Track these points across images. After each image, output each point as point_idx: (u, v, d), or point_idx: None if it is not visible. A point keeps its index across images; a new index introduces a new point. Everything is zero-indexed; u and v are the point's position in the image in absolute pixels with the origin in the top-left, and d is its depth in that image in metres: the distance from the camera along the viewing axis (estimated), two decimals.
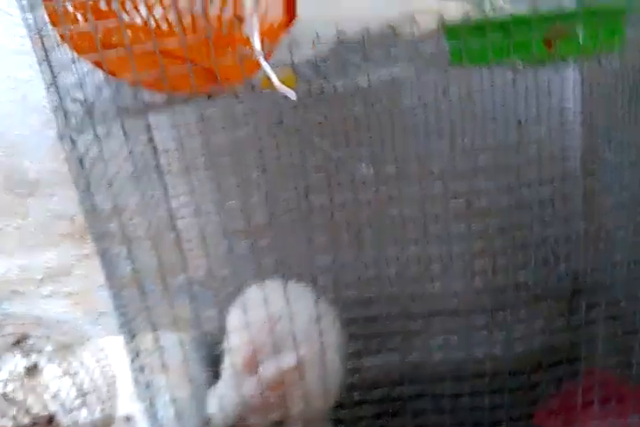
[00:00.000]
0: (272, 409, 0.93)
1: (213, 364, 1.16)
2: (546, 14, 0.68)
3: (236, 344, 1.00)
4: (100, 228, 0.74)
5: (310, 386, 0.90)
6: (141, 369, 0.87)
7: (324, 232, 0.83)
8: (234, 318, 1.01)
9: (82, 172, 0.72)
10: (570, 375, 0.92)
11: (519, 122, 1.13)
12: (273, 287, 0.91)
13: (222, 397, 0.92)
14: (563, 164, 1.18)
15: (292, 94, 0.62)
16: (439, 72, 0.83)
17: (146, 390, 0.84)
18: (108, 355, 1.20)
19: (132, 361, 0.82)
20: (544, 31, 0.68)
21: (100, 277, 1.47)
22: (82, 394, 1.04)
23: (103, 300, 1.49)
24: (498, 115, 1.15)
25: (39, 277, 1.47)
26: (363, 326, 0.90)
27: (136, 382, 0.84)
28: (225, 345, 1.14)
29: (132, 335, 0.80)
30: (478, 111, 1.12)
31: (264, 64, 0.63)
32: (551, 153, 1.11)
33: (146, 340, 0.94)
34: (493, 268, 0.88)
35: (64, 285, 1.48)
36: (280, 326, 0.87)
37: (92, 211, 0.72)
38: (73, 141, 0.68)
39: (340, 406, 1.01)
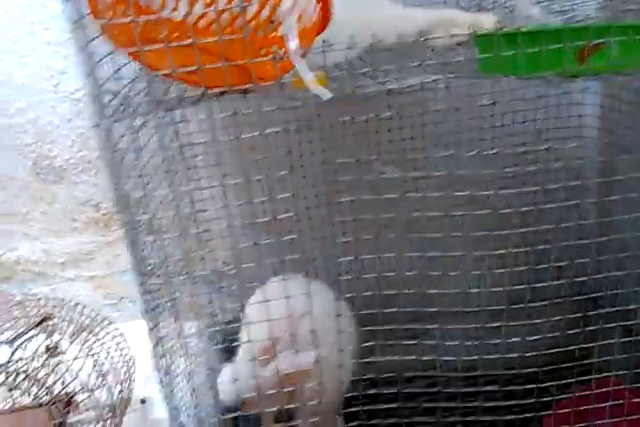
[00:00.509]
0: (283, 399, 0.95)
1: (228, 354, 1.18)
2: (578, 27, 0.69)
3: (254, 333, 1.03)
4: (130, 216, 0.77)
5: (324, 381, 0.92)
6: (163, 356, 0.90)
7: (346, 231, 0.84)
8: (253, 308, 1.03)
9: (115, 160, 0.74)
10: (580, 382, 0.93)
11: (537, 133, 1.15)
12: (292, 282, 0.93)
13: (233, 377, 0.94)
14: (579, 173, 1.20)
15: (325, 94, 0.64)
16: (467, 81, 0.85)
17: (166, 376, 0.86)
18: (126, 338, 1.24)
19: (154, 347, 0.85)
20: (576, 44, 0.69)
21: (120, 263, 1.52)
22: (101, 375, 1.07)
23: (123, 285, 1.53)
24: (517, 124, 1.17)
25: (62, 260, 1.51)
26: (378, 324, 0.92)
27: (157, 367, 0.86)
28: (241, 335, 1.16)
29: (155, 322, 0.83)
30: (499, 120, 1.14)
31: (298, 64, 0.65)
32: (568, 164, 1.13)
33: (167, 327, 0.97)
34: (508, 272, 0.89)
35: (86, 269, 1.52)
36: (298, 320, 0.89)
37: (123, 199, 0.75)
38: (108, 131, 0.70)
39: (350, 401, 1.04)
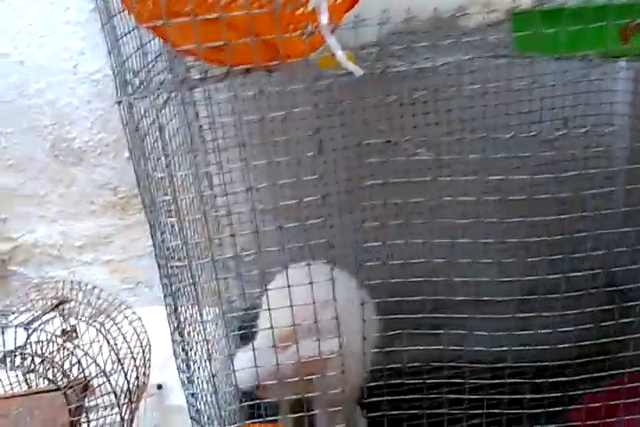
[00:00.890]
0: (301, 388, 0.93)
1: (245, 340, 1.17)
2: (623, 4, 0.66)
3: (274, 319, 1.01)
4: (151, 196, 0.75)
5: (344, 369, 0.90)
6: (181, 342, 0.88)
7: (368, 218, 0.81)
8: (273, 294, 1.01)
9: (137, 139, 0.72)
10: (610, 376, 0.91)
11: (565, 120, 1.11)
12: (314, 268, 0.91)
13: (251, 361, 0.92)
14: (608, 162, 1.16)
15: (357, 71, 0.61)
16: (497, 63, 0.82)
17: (184, 362, 0.84)
18: (144, 323, 1.23)
19: (173, 332, 0.83)
20: (620, 22, 0.65)
21: (137, 247, 1.51)
22: (117, 360, 1.06)
23: (140, 270, 1.52)
24: (546, 111, 1.14)
25: (79, 243, 1.50)
26: (400, 313, 0.90)
27: (175, 353, 0.85)
28: (259, 322, 1.15)
29: (174, 306, 0.81)
30: (527, 106, 1.10)
31: (330, 39, 0.63)
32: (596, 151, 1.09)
33: (186, 312, 0.95)
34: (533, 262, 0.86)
35: (103, 253, 1.51)
36: (319, 307, 0.87)
37: (144, 178, 0.72)
38: (130, 108, 0.67)
39: (371, 391, 1.01)
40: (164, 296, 0.80)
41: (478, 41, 0.71)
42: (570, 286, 0.88)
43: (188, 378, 0.88)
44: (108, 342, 1.07)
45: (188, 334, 0.92)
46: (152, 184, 0.76)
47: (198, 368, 0.93)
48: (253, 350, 0.92)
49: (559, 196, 0.72)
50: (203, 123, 1.10)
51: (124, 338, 1.12)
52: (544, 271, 0.87)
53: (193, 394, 0.84)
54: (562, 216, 0.74)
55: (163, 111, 0.75)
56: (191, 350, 0.92)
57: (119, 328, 1.14)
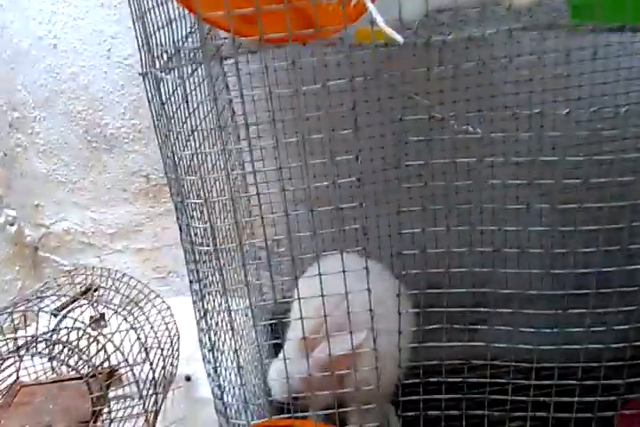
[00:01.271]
0: (334, 385, 0.88)
1: (275, 332, 1.13)
2: None
3: (305, 310, 0.97)
4: (178, 176, 0.71)
5: (377, 365, 0.85)
6: (208, 331, 0.84)
7: (413, 201, 0.75)
8: (304, 286, 0.96)
9: (164, 113, 0.68)
10: None
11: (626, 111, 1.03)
12: (347, 259, 0.86)
13: (283, 370, 0.89)
14: None
15: (399, 38, 0.56)
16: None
17: (210, 352, 0.81)
18: (173, 313, 1.20)
19: (199, 321, 0.79)
20: None
21: (169, 236, 1.48)
22: (145, 349, 1.03)
23: (171, 259, 1.49)
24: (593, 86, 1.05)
25: (111, 231, 1.48)
26: (433, 307, 0.84)
27: (201, 343, 0.81)
28: (291, 315, 1.10)
29: (201, 296, 0.77)
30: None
31: (371, 6, 0.58)
32: None
33: (214, 302, 0.92)
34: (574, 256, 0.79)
35: (134, 241, 1.48)
36: (351, 298, 0.82)
37: (171, 157, 0.68)
38: (157, 81, 0.63)
39: (406, 389, 0.96)
40: (190, 282, 0.76)
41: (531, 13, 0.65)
42: (623, 280, 0.81)
43: (214, 369, 0.85)
44: (135, 331, 1.04)
45: (216, 324, 0.88)
46: (178, 163, 0.72)
47: (226, 359, 0.90)
48: (284, 359, 0.88)
49: (621, 180, 0.65)
50: (233, 96, 1.05)
51: (152, 327, 1.09)
52: (597, 264, 0.80)
53: (219, 386, 0.80)
54: (620, 203, 0.67)
55: (191, 84, 0.71)
56: (218, 340, 0.88)
57: (147, 317, 1.11)
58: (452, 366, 0.90)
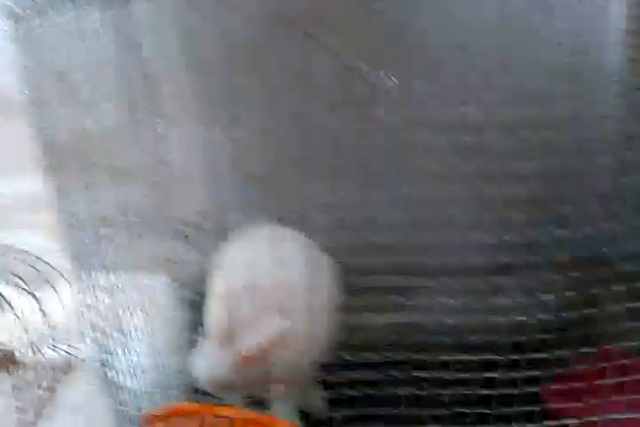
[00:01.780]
0: (254, 379, 0.83)
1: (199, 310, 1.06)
2: None
3: (212, 314, 0.91)
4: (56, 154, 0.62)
5: (299, 348, 0.80)
6: (113, 308, 0.78)
7: (324, 161, 0.68)
8: (221, 266, 0.90)
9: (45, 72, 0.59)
10: (584, 353, 0.82)
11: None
12: (263, 233, 0.80)
13: (206, 362, 0.82)
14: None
15: None
16: None
17: (108, 335, 0.74)
18: (83, 295, 1.11)
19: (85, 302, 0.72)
20: None
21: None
22: (49, 333, 0.95)
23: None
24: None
25: (14, 205, 1.37)
26: (361, 279, 0.79)
27: (93, 324, 0.74)
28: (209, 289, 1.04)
29: (88, 269, 0.70)
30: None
31: None
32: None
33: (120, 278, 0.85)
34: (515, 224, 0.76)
35: (38, 216, 1.37)
36: (267, 279, 0.77)
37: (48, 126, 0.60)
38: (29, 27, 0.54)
39: (330, 367, 0.91)
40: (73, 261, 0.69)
41: None
42: (552, 251, 0.78)
43: (118, 352, 0.78)
44: (41, 314, 0.95)
45: (120, 303, 0.81)
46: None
47: (136, 341, 0.83)
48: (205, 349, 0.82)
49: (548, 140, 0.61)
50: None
51: (58, 311, 1.00)
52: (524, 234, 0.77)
53: (116, 370, 0.73)
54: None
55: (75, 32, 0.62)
56: (122, 321, 0.81)
57: (55, 300, 1.02)
58: (375, 343, 0.85)
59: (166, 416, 0.75)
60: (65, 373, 0.90)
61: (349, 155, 0.70)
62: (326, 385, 0.92)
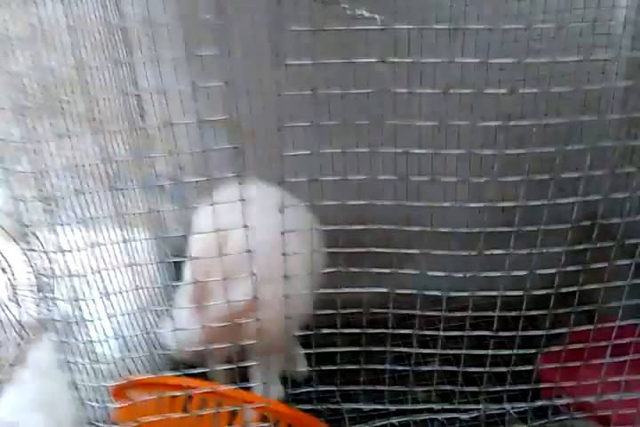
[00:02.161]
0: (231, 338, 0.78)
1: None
2: None
3: (188, 275, 0.86)
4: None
5: (274, 311, 0.75)
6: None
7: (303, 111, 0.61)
8: (198, 223, 0.85)
9: None
10: (578, 322, 0.78)
11: None
12: (243, 190, 0.75)
13: (178, 327, 0.78)
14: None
15: None
16: None
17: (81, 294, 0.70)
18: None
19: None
20: None
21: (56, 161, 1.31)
22: (13, 289, 0.90)
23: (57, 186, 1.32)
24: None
25: None
26: (344, 243, 0.74)
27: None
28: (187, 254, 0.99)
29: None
30: None
31: None
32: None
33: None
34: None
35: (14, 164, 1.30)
36: (244, 241, 0.71)
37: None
38: None
39: (311, 328, 0.87)
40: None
41: None
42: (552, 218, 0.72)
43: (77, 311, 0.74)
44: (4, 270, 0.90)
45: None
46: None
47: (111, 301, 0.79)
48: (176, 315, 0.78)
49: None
50: None
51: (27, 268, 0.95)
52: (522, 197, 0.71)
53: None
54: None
55: None
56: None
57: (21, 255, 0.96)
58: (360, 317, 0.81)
59: (129, 387, 0.73)
60: (34, 333, 0.86)
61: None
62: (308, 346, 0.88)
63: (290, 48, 0.58)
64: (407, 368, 0.81)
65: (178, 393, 0.72)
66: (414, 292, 0.77)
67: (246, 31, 0.99)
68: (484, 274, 0.70)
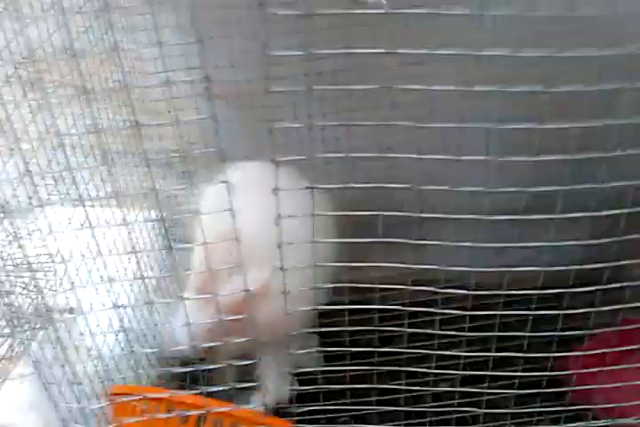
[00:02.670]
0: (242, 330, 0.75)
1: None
2: None
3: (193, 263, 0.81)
4: None
5: (282, 300, 0.72)
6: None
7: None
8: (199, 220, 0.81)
9: None
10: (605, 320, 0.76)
11: None
12: (253, 172, 0.70)
13: (188, 323, 0.75)
14: None
15: None
16: None
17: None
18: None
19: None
20: None
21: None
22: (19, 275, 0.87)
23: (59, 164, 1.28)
24: None
25: None
26: (363, 224, 0.70)
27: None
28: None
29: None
30: None
31: None
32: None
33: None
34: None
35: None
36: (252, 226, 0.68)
37: None
38: None
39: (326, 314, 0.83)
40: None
41: None
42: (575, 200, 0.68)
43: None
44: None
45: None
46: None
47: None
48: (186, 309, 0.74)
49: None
50: None
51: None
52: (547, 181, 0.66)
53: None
54: None
55: None
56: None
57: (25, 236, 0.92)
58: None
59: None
60: (42, 322, 0.82)
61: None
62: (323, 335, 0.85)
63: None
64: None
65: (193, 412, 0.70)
66: (437, 267, 0.73)
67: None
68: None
